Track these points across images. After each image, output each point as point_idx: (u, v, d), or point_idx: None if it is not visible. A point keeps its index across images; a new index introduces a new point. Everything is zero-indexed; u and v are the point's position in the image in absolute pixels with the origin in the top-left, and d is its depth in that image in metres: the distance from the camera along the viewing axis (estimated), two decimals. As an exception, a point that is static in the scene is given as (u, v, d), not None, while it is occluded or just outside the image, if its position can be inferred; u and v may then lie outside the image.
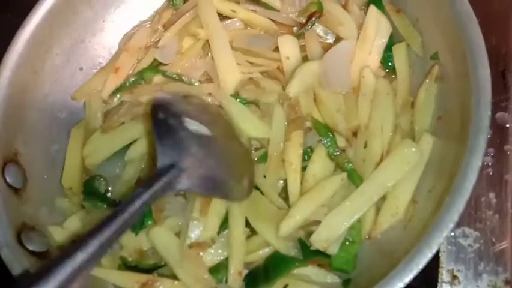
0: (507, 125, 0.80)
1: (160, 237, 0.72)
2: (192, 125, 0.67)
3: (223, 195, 0.70)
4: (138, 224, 0.75)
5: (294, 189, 0.72)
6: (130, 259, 0.74)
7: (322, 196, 0.70)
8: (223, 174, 0.68)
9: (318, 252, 0.68)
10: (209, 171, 0.66)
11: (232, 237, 0.70)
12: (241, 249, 0.70)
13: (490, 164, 0.78)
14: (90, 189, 0.80)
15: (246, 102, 0.77)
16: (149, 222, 0.75)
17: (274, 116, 0.74)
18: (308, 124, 0.74)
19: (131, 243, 0.74)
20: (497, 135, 0.79)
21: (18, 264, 0.65)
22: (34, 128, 0.80)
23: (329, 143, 0.73)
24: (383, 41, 0.78)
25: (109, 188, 0.81)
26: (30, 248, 0.69)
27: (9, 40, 0.77)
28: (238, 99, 0.77)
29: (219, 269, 0.71)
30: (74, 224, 0.75)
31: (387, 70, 0.79)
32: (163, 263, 0.73)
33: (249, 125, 0.75)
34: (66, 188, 0.80)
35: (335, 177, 0.71)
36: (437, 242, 0.56)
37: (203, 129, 0.68)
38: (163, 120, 0.66)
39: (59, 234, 0.74)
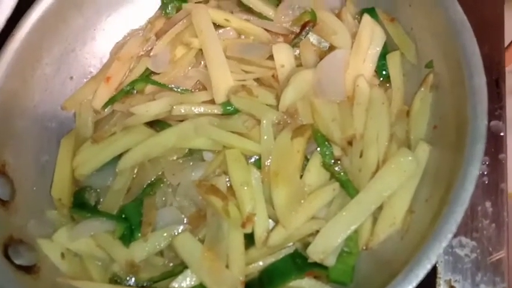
0: (501, 134, 0.80)
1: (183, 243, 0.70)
2: None
3: None
4: (128, 237, 0.74)
5: (283, 199, 0.70)
6: (122, 274, 0.73)
7: (313, 207, 0.69)
8: None
9: (314, 264, 0.67)
10: None
11: (232, 247, 0.69)
12: (241, 258, 0.69)
13: (485, 173, 0.78)
14: (80, 201, 0.78)
15: (237, 111, 0.76)
16: (139, 235, 0.73)
17: (262, 131, 0.73)
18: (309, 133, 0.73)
19: (122, 256, 0.72)
20: (491, 143, 0.79)
21: (4, 278, 0.64)
22: (23, 138, 0.78)
23: (326, 153, 0.72)
24: (377, 49, 0.78)
25: (101, 200, 0.79)
26: (18, 262, 0.67)
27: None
28: (229, 107, 0.76)
29: None
30: (63, 236, 0.74)
31: (381, 79, 0.79)
32: (158, 277, 0.72)
33: (239, 144, 0.74)
34: (56, 200, 0.78)
35: (326, 188, 0.71)
36: (436, 253, 0.56)
37: None
38: None
39: (48, 247, 0.73)
